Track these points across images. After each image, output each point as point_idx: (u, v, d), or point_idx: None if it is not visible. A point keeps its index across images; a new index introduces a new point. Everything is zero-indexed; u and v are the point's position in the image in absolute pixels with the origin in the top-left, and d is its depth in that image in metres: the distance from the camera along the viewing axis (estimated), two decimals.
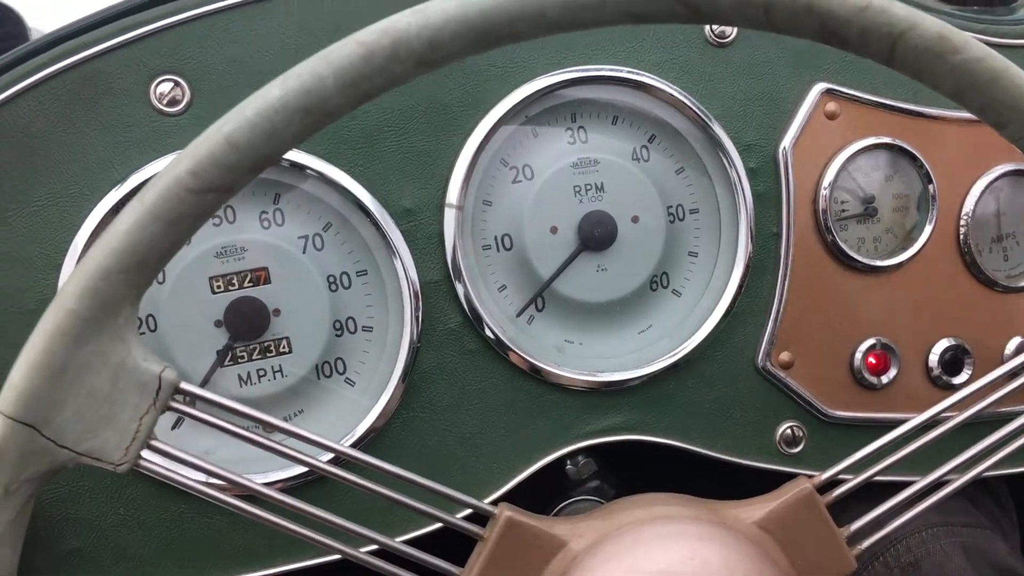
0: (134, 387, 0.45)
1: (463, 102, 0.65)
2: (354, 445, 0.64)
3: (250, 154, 0.42)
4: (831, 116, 0.70)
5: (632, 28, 0.68)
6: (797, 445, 0.71)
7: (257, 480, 0.51)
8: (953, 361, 0.73)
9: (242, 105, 0.43)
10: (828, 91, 0.70)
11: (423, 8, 0.43)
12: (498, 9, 0.43)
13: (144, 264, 0.43)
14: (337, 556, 0.63)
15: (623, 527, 0.51)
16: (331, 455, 0.56)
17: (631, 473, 0.72)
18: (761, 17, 0.46)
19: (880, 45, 0.46)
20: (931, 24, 0.46)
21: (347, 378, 0.65)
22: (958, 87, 0.47)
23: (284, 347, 0.64)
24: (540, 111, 0.67)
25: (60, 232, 0.60)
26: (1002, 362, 0.74)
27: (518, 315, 0.68)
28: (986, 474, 0.56)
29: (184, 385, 0.46)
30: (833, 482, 0.54)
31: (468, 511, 0.52)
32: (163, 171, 0.42)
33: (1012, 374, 0.56)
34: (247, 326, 0.62)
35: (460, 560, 0.51)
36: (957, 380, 0.73)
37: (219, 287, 0.62)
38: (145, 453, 0.46)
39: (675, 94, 0.68)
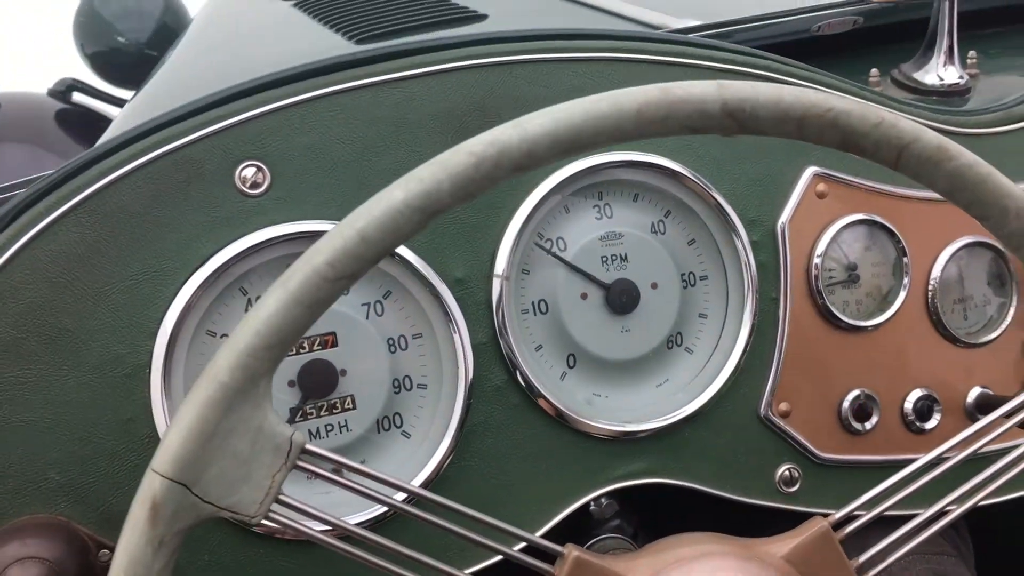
0: (270, 449, 0.51)
1: (509, 184, 0.73)
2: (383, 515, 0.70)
3: (376, 247, 0.50)
4: (821, 196, 0.80)
5: None
6: (794, 485, 0.80)
7: (349, 521, 0.58)
8: (924, 409, 0.83)
9: (369, 204, 0.50)
10: (818, 174, 0.80)
11: (522, 122, 0.51)
12: (585, 124, 0.51)
13: (285, 343, 0.50)
14: None
15: (674, 563, 0.59)
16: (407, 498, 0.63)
17: (647, 513, 0.80)
18: (794, 131, 0.55)
19: (890, 154, 0.56)
20: (931, 137, 0.56)
21: (403, 431, 0.72)
22: (951, 187, 0.57)
23: (349, 404, 0.71)
24: (573, 191, 0.76)
25: (155, 303, 0.66)
26: (965, 408, 0.85)
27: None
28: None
29: (309, 446, 0.53)
30: (842, 520, 0.63)
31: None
32: (302, 260, 0.49)
33: (990, 426, 0.66)
34: (318, 385, 0.69)
35: None
36: (928, 425, 0.83)
37: (292, 351, 0.69)
38: (274, 506, 0.52)
39: (688, 175, 0.77)
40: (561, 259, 0.75)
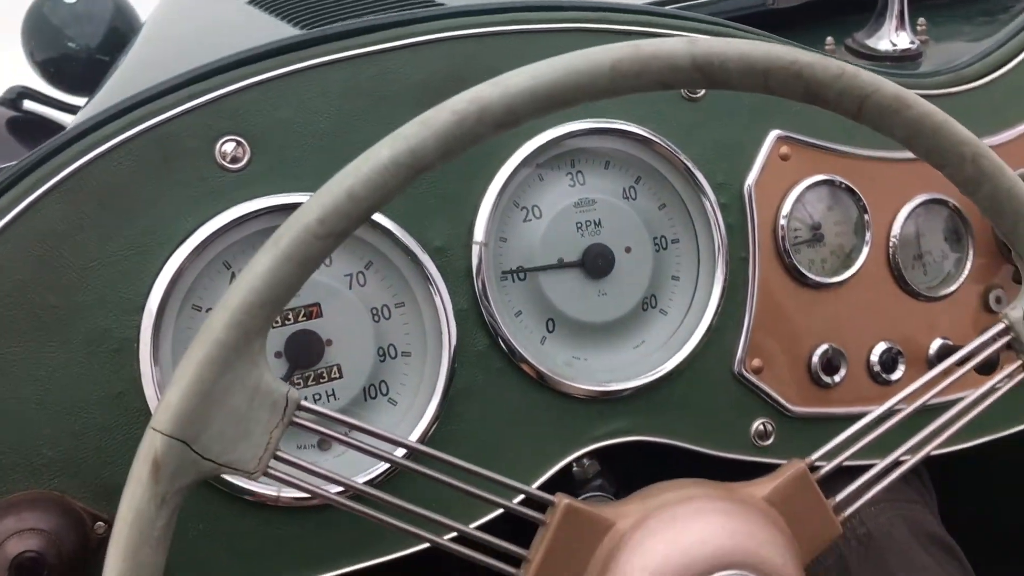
0: (267, 406, 0.53)
1: (483, 152, 0.75)
2: (385, 472, 0.72)
3: (364, 204, 0.51)
4: (784, 158, 0.83)
5: None
6: (768, 438, 0.83)
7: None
8: (889, 361, 0.86)
9: (357, 163, 0.52)
10: (781, 137, 0.83)
11: (502, 80, 0.53)
12: (562, 80, 0.53)
13: (278, 300, 0.51)
14: (391, 556, 0.72)
15: (660, 507, 0.61)
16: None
17: (627, 473, 0.82)
18: (760, 84, 0.58)
19: (852, 105, 0.58)
20: (890, 87, 0.58)
21: (390, 398, 0.74)
22: (909, 136, 0.60)
23: (336, 373, 0.72)
24: (546, 159, 0.78)
25: (140, 277, 0.67)
26: (927, 360, 0.88)
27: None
28: (933, 452, 0.69)
29: (305, 403, 0.54)
30: (817, 465, 0.65)
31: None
32: (293, 218, 0.51)
33: (946, 372, 0.69)
34: (305, 356, 0.70)
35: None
36: (893, 377, 0.86)
37: (277, 322, 0.70)
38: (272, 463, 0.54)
39: (657, 140, 0.79)
40: (536, 227, 0.77)
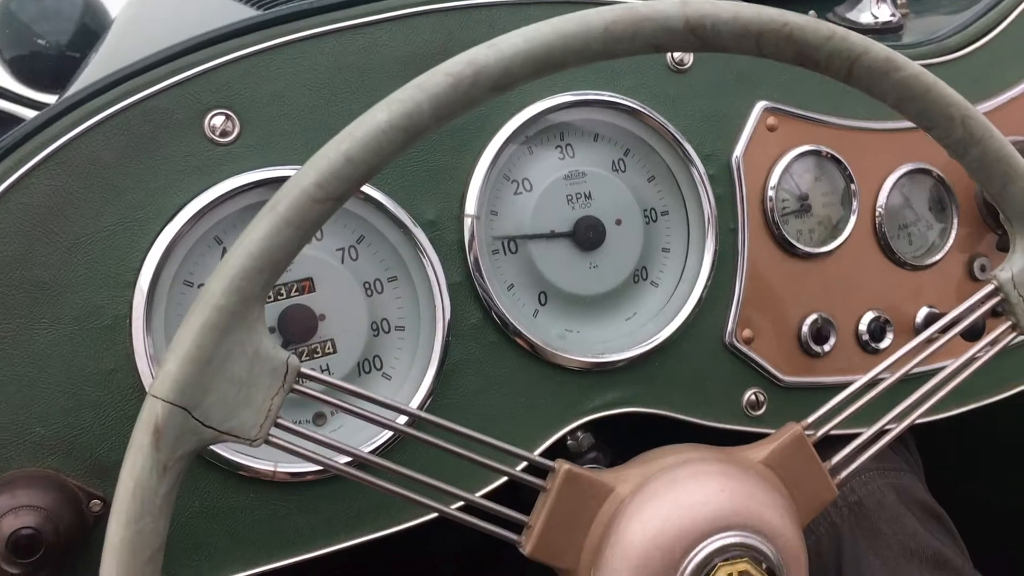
0: (267, 372, 0.52)
1: (473, 125, 0.75)
2: (388, 441, 0.72)
3: (362, 168, 0.51)
4: (771, 128, 0.84)
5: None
6: (760, 408, 0.84)
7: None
8: (877, 330, 0.87)
9: (353, 127, 0.51)
10: (768, 108, 0.83)
11: (496, 43, 0.53)
12: (556, 42, 0.53)
13: (277, 265, 0.51)
14: (388, 531, 0.72)
15: (660, 471, 0.62)
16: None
17: (621, 446, 0.83)
18: (753, 47, 0.58)
19: (842, 66, 0.59)
20: (879, 49, 0.59)
21: (384, 373, 0.74)
22: (899, 98, 0.60)
23: (330, 348, 0.71)
24: (535, 132, 0.78)
25: (132, 253, 0.66)
26: (915, 328, 0.89)
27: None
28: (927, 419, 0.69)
29: (304, 369, 0.54)
30: (813, 425, 0.66)
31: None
32: (291, 183, 0.50)
33: (930, 340, 0.69)
34: (298, 330, 0.70)
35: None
36: (882, 345, 0.87)
37: (270, 297, 0.70)
38: (273, 430, 0.53)
39: (646, 112, 0.79)
40: (527, 199, 0.77)
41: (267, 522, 0.69)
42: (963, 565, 0.84)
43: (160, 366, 0.50)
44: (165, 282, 0.67)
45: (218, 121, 0.68)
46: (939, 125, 0.62)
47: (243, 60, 0.69)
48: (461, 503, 0.59)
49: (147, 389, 0.65)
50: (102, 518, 0.64)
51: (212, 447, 0.66)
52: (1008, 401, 0.93)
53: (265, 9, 0.94)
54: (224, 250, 0.69)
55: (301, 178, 0.50)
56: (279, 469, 0.68)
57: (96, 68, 1.10)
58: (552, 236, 0.77)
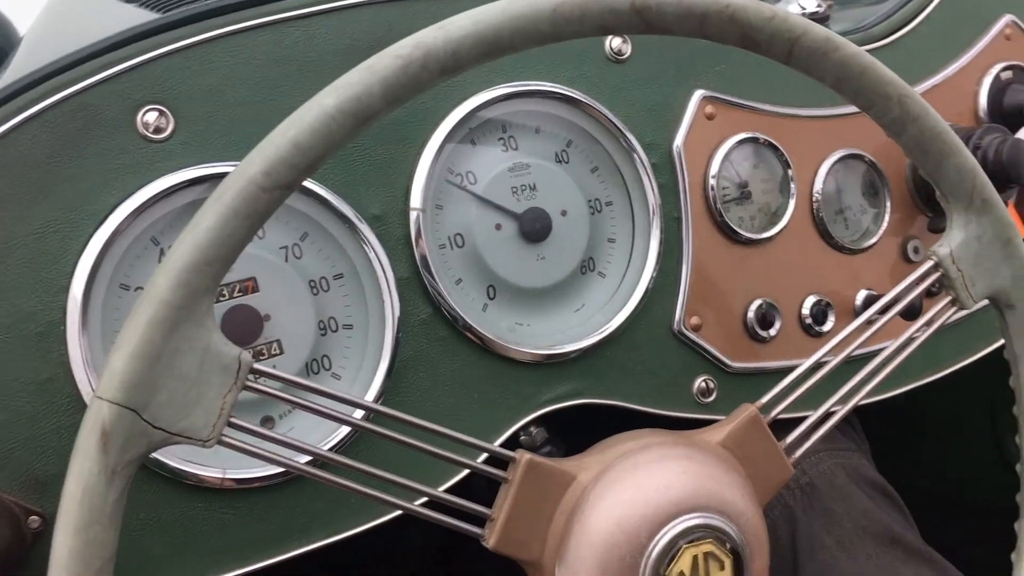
0: (218, 369, 0.50)
1: (414, 117, 0.74)
2: (344, 439, 0.70)
3: (310, 155, 0.49)
4: (710, 117, 0.84)
5: (545, 51, 0.79)
6: (710, 395, 0.84)
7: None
8: (820, 313, 0.88)
9: (301, 112, 0.50)
10: (706, 97, 0.84)
11: (445, 25, 0.52)
12: (505, 24, 0.53)
13: (226, 257, 0.49)
14: (338, 537, 0.70)
15: (620, 457, 0.61)
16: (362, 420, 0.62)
17: (574, 439, 0.82)
18: (696, 29, 0.58)
19: (783, 47, 0.59)
20: (819, 30, 0.60)
21: (333, 373, 0.72)
22: (838, 78, 0.61)
23: (276, 349, 0.69)
24: (477, 124, 0.77)
25: (65, 255, 0.63)
26: (855, 310, 0.90)
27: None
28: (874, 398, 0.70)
29: (258, 365, 0.52)
30: (765, 409, 0.66)
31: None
32: (237, 171, 0.48)
33: (871, 320, 0.70)
34: (243, 332, 0.68)
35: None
36: (825, 328, 0.88)
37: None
38: (226, 430, 0.51)
39: (588, 103, 0.79)
40: (472, 193, 0.76)
41: (216, 532, 0.66)
42: (914, 540, 0.85)
43: (105, 366, 0.47)
44: (100, 286, 0.64)
45: (151, 117, 0.66)
46: (876, 104, 0.63)
47: (176, 54, 0.66)
48: (422, 500, 0.57)
49: (84, 398, 0.63)
50: (41, 535, 0.61)
51: (156, 455, 0.64)
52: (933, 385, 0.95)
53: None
54: (162, 251, 0.67)
55: (247, 166, 0.49)
56: (227, 476, 0.66)
57: (10, 76, 1.06)
58: (499, 209, 0.77)
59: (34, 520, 0.60)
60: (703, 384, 0.84)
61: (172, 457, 0.64)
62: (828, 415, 0.67)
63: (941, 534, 0.97)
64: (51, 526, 0.62)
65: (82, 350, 0.62)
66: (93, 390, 0.62)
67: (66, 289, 0.63)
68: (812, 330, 0.88)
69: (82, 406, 0.63)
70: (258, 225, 0.49)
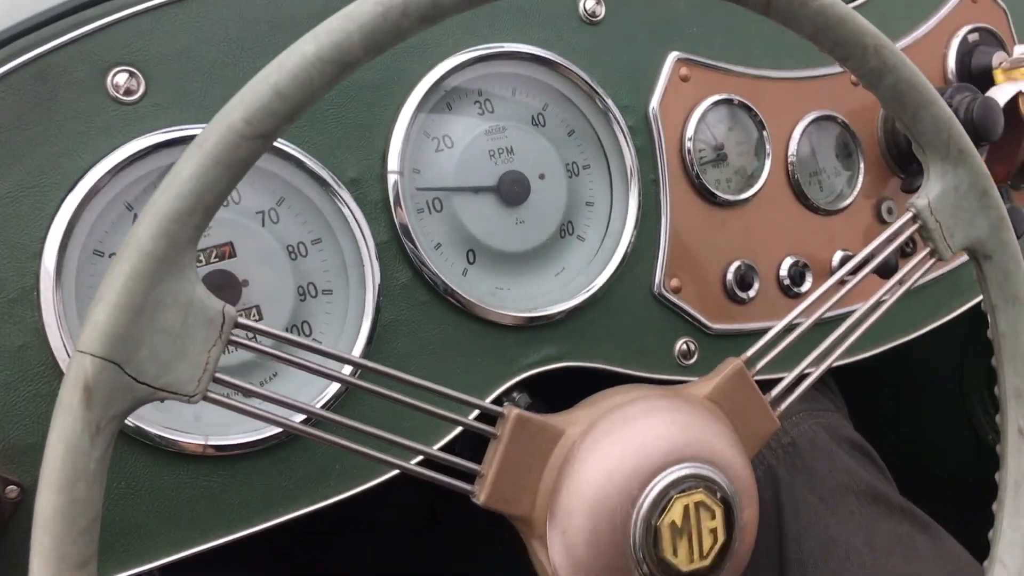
0: (202, 322, 0.49)
1: (390, 79, 0.73)
2: (331, 400, 0.69)
3: (291, 102, 0.48)
4: (684, 79, 0.84)
5: (519, 14, 0.79)
6: (691, 357, 0.84)
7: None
8: (797, 274, 0.89)
9: (280, 59, 0.49)
10: (680, 59, 0.84)
11: None
12: None
13: (207, 207, 0.48)
14: (322, 504, 0.69)
15: (609, 410, 0.61)
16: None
17: (557, 406, 0.82)
18: None
19: None
20: None
21: (314, 339, 0.70)
22: (815, 27, 0.61)
23: (255, 315, 0.68)
24: (453, 87, 0.76)
25: (36, 220, 0.61)
26: (831, 270, 0.91)
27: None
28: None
29: (242, 319, 0.51)
30: (752, 359, 0.66)
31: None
32: (217, 120, 0.47)
33: (855, 271, 0.71)
34: (220, 297, 0.65)
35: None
36: (803, 289, 0.88)
37: None
38: (211, 386, 0.50)
39: (563, 64, 0.78)
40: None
41: (200, 500, 0.65)
42: (895, 496, 0.86)
43: (86, 318, 0.46)
44: (73, 251, 0.63)
45: (121, 79, 0.64)
46: (854, 55, 0.63)
47: (146, 14, 0.65)
48: (415, 459, 0.56)
49: (60, 365, 0.61)
50: (20, 504, 0.59)
51: (137, 423, 0.62)
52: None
53: None
54: (135, 216, 0.65)
55: (228, 113, 0.48)
56: (209, 443, 0.64)
57: None
58: (477, 191, 0.76)
59: (12, 490, 0.59)
60: (684, 346, 0.84)
61: (153, 424, 0.63)
62: (814, 367, 0.67)
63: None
64: (29, 496, 0.60)
65: (57, 316, 0.61)
66: (69, 356, 0.61)
67: (38, 255, 0.61)
68: (790, 291, 0.88)
69: (58, 373, 0.61)
70: (239, 175, 0.48)
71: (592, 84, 0.79)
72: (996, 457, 1.10)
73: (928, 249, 0.70)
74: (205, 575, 0.72)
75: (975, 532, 0.91)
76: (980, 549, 0.80)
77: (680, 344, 0.83)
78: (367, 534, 1.16)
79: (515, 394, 0.79)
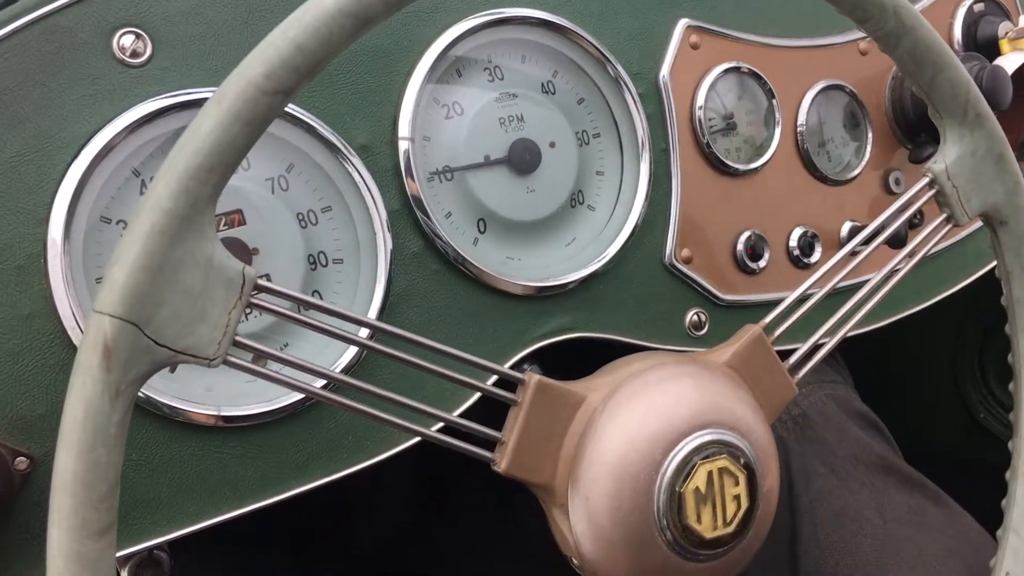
0: (222, 283, 0.48)
1: (399, 44, 0.71)
2: (345, 369, 0.68)
3: (311, 57, 0.47)
4: (695, 47, 0.83)
5: None
6: (702, 328, 0.83)
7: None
8: (806, 245, 0.88)
9: (299, 14, 0.47)
10: (690, 26, 0.83)
11: None
12: None
13: (227, 164, 0.46)
14: (336, 476, 0.68)
15: (630, 377, 0.60)
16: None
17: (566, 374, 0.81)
18: None
19: None
20: None
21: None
22: None
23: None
24: (463, 52, 0.75)
25: (42, 185, 0.60)
26: (840, 241, 0.90)
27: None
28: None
29: (262, 281, 0.50)
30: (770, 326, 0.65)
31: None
32: (235, 74, 0.46)
33: (855, 252, 0.70)
34: None
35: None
36: (812, 259, 0.88)
37: None
38: (231, 350, 0.48)
39: (574, 30, 0.77)
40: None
41: (212, 472, 0.64)
42: (906, 467, 0.86)
43: (104, 278, 0.44)
44: (81, 218, 0.61)
45: (127, 40, 0.62)
46: (873, 16, 0.62)
47: None
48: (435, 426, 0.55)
49: (69, 333, 0.60)
50: (30, 476, 0.57)
51: (149, 393, 0.61)
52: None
53: None
54: (143, 183, 0.63)
55: (247, 68, 0.46)
56: (221, 413, 0.63)
57: None
58: (488, 164, 0.75)
59: (22, 461, 0.57)
60: (695, 317, 0.83)
61: (163, 394, 0.62)
62: (829, 337, 0.67)
63: None
64: (39, 467, 0.59)
65: (65, 283, 0.59)
66: (79, 325, 0.59)
67: (45, 220, 0.59)
68: (800, 262, 0.88)
69: (67, 342, 0.59)
70: (259, 132, 0.47)
71: (602, 51, 0.78)
72: (988, 436, 1.10)
73: (944, 215, 0.69)
74: (205, 551, 0.71)
75: (970, 509, 0.92)
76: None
77: (691, 315, 0.83)
78: (367, 515, 1.15)
79: (526, 366, 0.78)
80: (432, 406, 0.54)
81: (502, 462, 0.56)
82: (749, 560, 0.60)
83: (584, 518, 0.57)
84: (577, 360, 0.80)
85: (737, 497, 0.58)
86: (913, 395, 1.38)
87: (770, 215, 0.86)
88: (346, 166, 0.68)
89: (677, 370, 0.60)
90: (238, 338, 0.49)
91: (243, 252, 0.65)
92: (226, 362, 0.48)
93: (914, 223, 0.92)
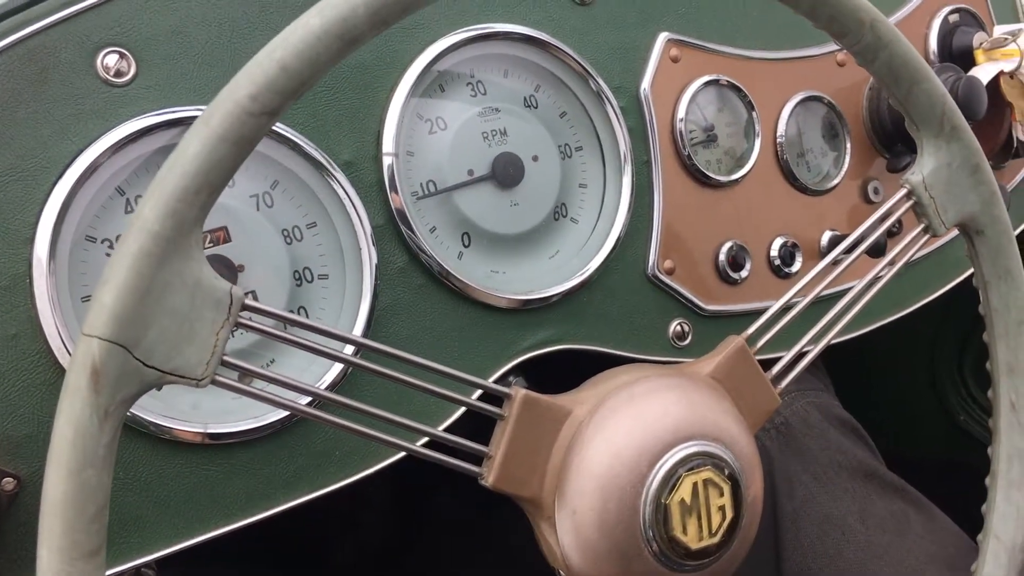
0: (210, 304, 0.48)
1: (382, 60, 0.72)
2: (330, 386, 0.68)
3: (297, 79, 0.48)
4: (675, 60, 0.84)
5: None
6: (685, 339, 0.84)
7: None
8: (787, 255, 0.89)
9: (286, 33, 0.48)
10: (671, 39, 0.84)
11: None
12: None
13: (214, 185, 0.47)
14: (323, 491, 0.68)
15: (615, 389, 0.60)
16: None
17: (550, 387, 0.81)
18: None
19: None
20: None
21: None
22: (812, 4, 0.61)
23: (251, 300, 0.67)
24: (445, 68, 0.75)
25: (27, 205, 0.60)
26: (821, 251, 0.91)
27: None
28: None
29: (249, 301, 0.50)
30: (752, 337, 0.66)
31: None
32: (222, 96, 0.46)
33: (836, 262, 0.71)
34: None
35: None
36: (793, 269, 0.89)
37: None
38: (219, 369, 0.49)
39: (555, 45, 0.78)
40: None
41: (199, 489, 0.64)
42: (888, 474, 0.87)
43: (92, 301, 0.45)
44: (66, 237, 0.61)
45: (111, 60, 0.63)
46: (850, 31, 0.63)
47: None
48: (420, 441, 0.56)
49: (55, 353, 0.60)
50: (16, 497, 0.57)
51: (136, 412, 0.61)
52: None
53: None
54: (128, 202, 0.64)
55: (233, 90, 0.46)
56: (208, 431, 0.63)
57: None
58: (474, 181, 0.75)
59: (8, 482, 0.57)
60: (679, 328, 0.84)
61: (150, 412, 0.62)
62: (811, 346, 0.67)
63: None
64: (26, 488, 0.59)
65: (51, 303, 0.59)
66: (64, 345, 0.59)
67: (30, 240, 0.59)
68: (781, 271, 0.89)
69: (52, 362, 0.59)
70: (245, 153, 0.47)
71: (584, 65, 0.79)
72: (968, 439, 1.12)
73: (922, 226, 0.70)
74: (192, 569, 0.71)
75: (952, 512, 0.93)
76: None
77: (674, 326, 0.83)
78: (348, 529, 1.15)
79: (511, 378, 0.78)
80: (418, 421, 0.54)
81: (489, 476, 0.57)
82: (734, 569, 0.61)
83: (571, 531, 0.57)
84: (562, 371, 0.81)
85: (722, 508, 0.59)
86: (893, 400, 1.39)
87: (751, 225, 0.87)
88: (330, 182, 0.69)
89: (661, 383, 0.61)
90: (226, 357, 0.49)
91: (229, 269, 0.66)
92: (214, 382, 0.48)
93: (892, 232, 0.93)
